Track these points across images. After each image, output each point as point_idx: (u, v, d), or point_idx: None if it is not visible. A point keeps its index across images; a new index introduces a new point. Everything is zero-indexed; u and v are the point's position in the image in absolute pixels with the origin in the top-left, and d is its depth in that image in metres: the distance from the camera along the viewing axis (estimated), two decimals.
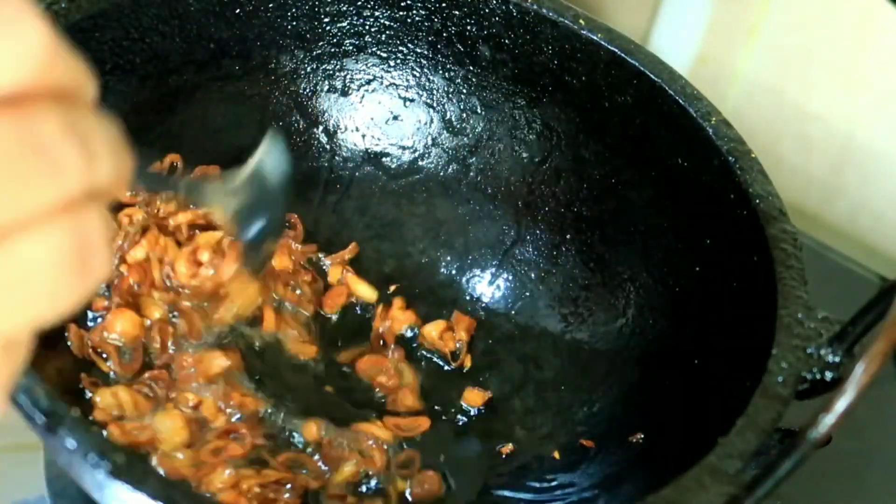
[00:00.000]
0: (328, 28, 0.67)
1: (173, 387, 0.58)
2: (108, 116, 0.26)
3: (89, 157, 0.24)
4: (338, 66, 0.69)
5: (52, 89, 0.24)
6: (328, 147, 0.70)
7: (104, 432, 0.53)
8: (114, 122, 0.26)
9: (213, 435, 0.57)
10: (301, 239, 0.68)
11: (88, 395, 0.56)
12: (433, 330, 0.67)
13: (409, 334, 0.67)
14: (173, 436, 0.55)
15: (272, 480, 0.56)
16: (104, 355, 0.58)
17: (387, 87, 0.70)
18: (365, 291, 0.68)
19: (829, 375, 0.48)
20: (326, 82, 0.69)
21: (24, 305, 0.24)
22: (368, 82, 0.70)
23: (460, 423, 0.65)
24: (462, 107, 0.69)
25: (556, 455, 0.63)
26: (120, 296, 0.59)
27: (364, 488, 0.59)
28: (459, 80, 0.69)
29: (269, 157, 0.43)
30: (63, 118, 0.24)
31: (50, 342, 0.55)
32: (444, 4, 0.66)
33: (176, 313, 0.60)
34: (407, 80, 0.69)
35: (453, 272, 0.71)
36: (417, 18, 0.67)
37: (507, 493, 0.61)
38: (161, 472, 0.52)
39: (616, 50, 0.63)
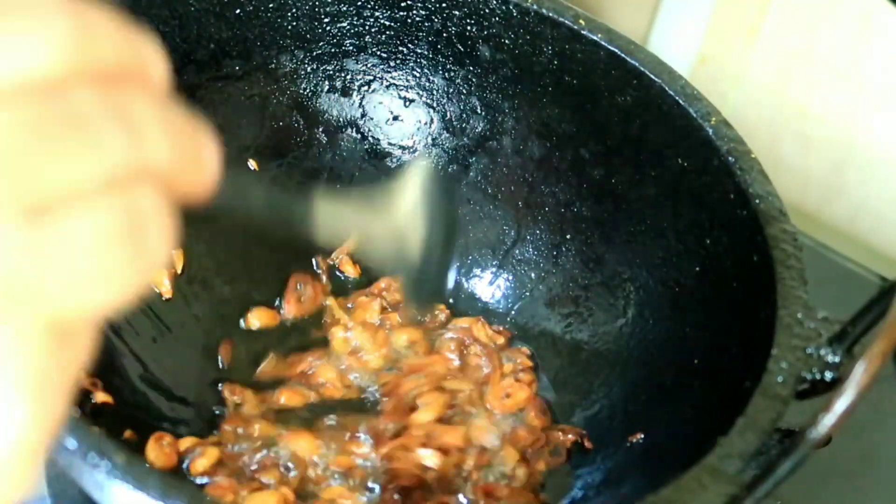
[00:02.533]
0: (328, 28, 0.67)
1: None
2: (187, 110, 0.26)
3: (136, 135, 0.24)
4: (338, 67, 0.69)
5: (93, 72, 0.24)
6: (328, 147, 0.70)
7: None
8: (187, 111, 0.26)
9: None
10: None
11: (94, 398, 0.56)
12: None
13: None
14: None
15: None
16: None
17: (387, 87, 0.70)
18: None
19: (829, 375, 0.47)
20: (326, 82, 0.69)
21: (74, 287, 0.23)
22: (368, 83, 0.70)
23: None
24: (462, 107, 0.69)
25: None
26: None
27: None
28: (459, 80, 0.68)
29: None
30: (103, 97, 0.23)
31: None
32: (444, 4, 0.66)
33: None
34: (407, 81, 0.69)
35: (453, 272, 0.71)
36: (417, 19, 0.67)
37: None
38: None
39: (616, 50, 0.63)
